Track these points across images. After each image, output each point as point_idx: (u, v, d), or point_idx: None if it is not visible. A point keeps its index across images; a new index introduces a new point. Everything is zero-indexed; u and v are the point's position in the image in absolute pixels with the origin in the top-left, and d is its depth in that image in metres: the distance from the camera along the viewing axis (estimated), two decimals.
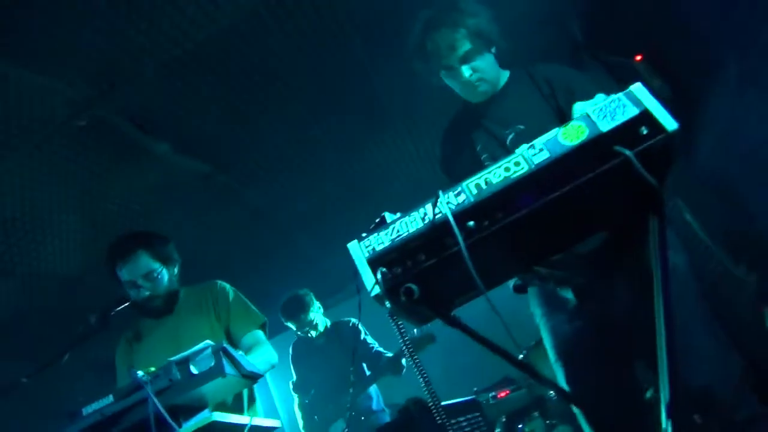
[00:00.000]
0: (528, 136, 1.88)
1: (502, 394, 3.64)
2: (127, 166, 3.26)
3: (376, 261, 1.28)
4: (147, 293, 2.30)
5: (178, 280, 2.45)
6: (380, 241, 1.30)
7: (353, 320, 4.22)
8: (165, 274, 2.36)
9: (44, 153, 2.86)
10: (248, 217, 4.23)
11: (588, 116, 1.25)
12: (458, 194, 1.28)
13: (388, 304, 1.28)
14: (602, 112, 1.24)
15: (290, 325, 4.10)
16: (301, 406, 4.20)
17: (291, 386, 4.29)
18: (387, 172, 4.35)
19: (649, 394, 1.97)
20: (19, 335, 3.93)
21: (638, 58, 3.54)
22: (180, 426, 1.59)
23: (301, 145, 3.69)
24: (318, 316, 4.09)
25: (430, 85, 2.09)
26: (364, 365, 4.08)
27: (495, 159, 1.94)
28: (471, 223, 1.24)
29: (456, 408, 2.34)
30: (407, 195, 4.71)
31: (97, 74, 2.58)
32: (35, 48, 2.31)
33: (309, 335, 4.09)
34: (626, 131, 1.21)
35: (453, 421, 2.20)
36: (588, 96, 1.60)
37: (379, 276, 1.25)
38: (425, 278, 1.26)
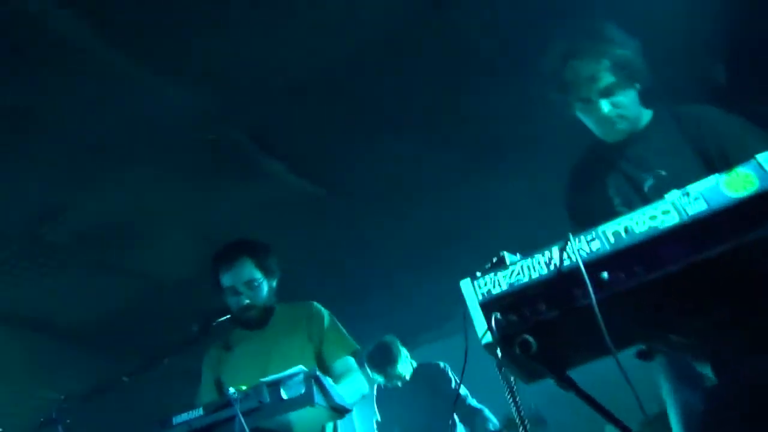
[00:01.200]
0: (670, 184, 1.69)
1: None
2: (241, 182, 3.37)
3: (490, 305, 1.15)
4: (246, 301, 2.31)
5: (275, 295, 2.44)
6: (497, 282, 1.17)
7: (442, 363, 4.03)
8: (265, 286, 2.37)
9: (166, 161, 3.00)
10: (355, 243, 4.22)
11: (759, 165, 1.06)
12: (591, 240, 1.13)
13: (499, 353, 1.14)
14: None
15: (376, 377, 3.96)
16: None
17: (375, 425, 4.17)
18: (497, 208, 4.17)
19: None
20: (122, 334, 4.14)
21: None
22: None
23: (414, 175, 3.63)
24: (405, 366, 3.95)
25: (555, 116, 1.94)
26: (456, 416, 3.86)
27: (629, 205, 1.77)
28: (605, 274, 1.09)
29: None
30: (515, 236, 4.51)
31: (227, 88, 2.68)
32: (170, 56, 2.43)
33: (396, 386, 3.95)
34: None
35: None
36: (746, 140, 1.39)
37: (493, 323, 1.12)
38: (543, 331, 1.11)
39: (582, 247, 1.13)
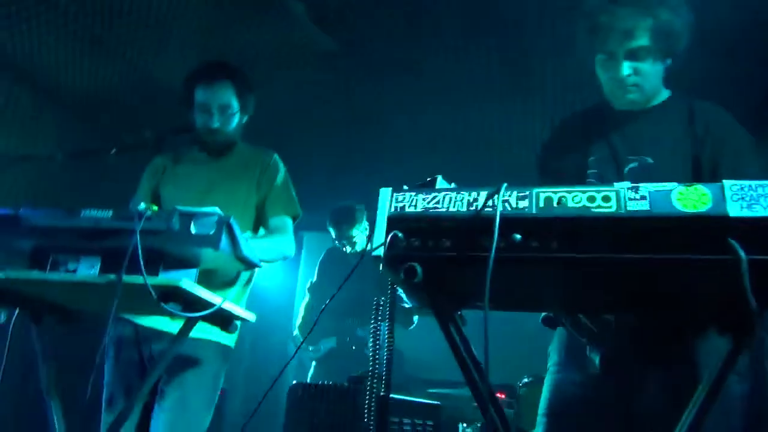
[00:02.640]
0: (652, 174, 1.59)
1: (500, 395, 3.40)
2: (260, 13, 3.19)
3: (396, 221, 1.09)
4: (216, 125, 2.23)
5: (241, 133, 2.37)
6: (414, 202, 1.11)
7: None
8: (237, 118, 2.29)
9: None
10: (350, 112, 4.10)
11: (721, 188, 0.96)
12: (523, 197, 1.05)
13: (386, 269, 1.11)
14: (741, 192, 0.96)
15: (330, 230, 4.04)
16: (307, 307, 4.22)
17: (308, 284, 4.31)
18: (502, 132, 4.04)
19: None
20: (102, 111, 4.12)
21: None
22: (157, 273, 1.55)
23: (438, 65, 3.45)
24: (360, 235, 3.99)
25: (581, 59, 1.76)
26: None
27: (601, 180, 1.66)
28: (517, 237, 1.02)
29: (409, 406, 2.18)
30: (501, 165, 4.45)
31: None
32: None
33: (344, 249, 4.02)
34: (756, 230, 0.93)
35: (396, 419, 2.05)
36: (740, 160, 1.28)
37: (389, 239, 1.07)
38: (435, 264, 1.07)
39: (510, 201, 1.05)
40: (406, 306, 3.85)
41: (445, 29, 3.21)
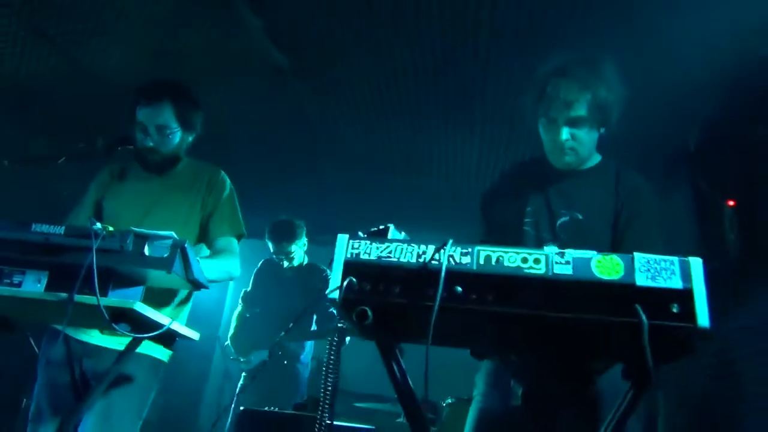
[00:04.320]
0: (580, 229, 1.79)
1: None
2: (215, 19, 3.21)
3: (352, 267, 1.20)
4: (150, 144, 2.24)
5: (187, 148, 2.38)
6: (368, 251, 1.22)
7: (329, 272, 4.17)
8: (177, 137, 2.29)
9: None
10: (299, 127, 4.17)
11: (632, 260, 1.13)
12: (465, 254, 1.19)
13: (337, 311, 1.21)
14: (648, 265, 1.13)
15: (269, 245, 4.08)
16: (239, 317, 4.24)
17: (242, 294, 4.32)
18: (447, 156, 4.26)
19: None
20: (39, 109, 3.98)
21: (731, 203, 3.33)
22: (106, 293, 1.57)
23: (389, 90, 3.58)
24: (299, 251, 4.07)
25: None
26: (315, 317, 4.08)
27: (536, 229, 1.85)
28: (459, 289, 1.16)
29: (345, 431, 2.29)
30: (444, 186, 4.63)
31: None
32: None
33: (281, 263, 4.08)
34: (658, 298, 1.10)
35: None
36: (644, 236, 1.48)
37: (345, 283, 1.17)
38: (385, 308, 1.19)
39: (454, 256, 1.18)
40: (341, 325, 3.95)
41: (396, 57, 3.34)
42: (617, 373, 1.38)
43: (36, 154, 2.20)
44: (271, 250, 4.09)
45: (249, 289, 4.29)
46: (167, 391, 4.86)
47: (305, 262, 4.18)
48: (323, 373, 1.30)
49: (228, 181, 2.42)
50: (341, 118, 3.99)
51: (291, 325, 3.77)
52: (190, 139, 2.37)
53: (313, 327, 4.10)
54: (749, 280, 2.85)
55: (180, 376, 4.78)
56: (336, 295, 1.18)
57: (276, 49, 3.36)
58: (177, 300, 2.22)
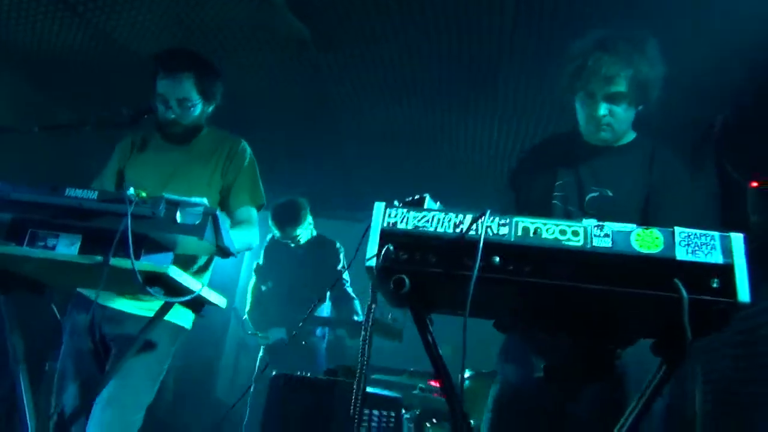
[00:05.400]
0: (609, 205, 1.78)
1: (433, 383, 3.56)
2: None
3: (389, 235, 1.21)
4: (172, 116, 2.24)
5: (208, 118, 2.38)
6: (405, 219, 1.22)
7: (339, 245, 4.17)
8: (198, 109, 2.28)
9: None
10: (318, 102, 4.15)
11: (672, 234, 1.13)
12: (503, 225, 1.19)
13: (376, 278, 1.22)
14: (688, 239, 1.12)
15: (273, 230, 4.05)
16: (255, 290, 4.27)
17: (255, 266, 4.34)
18: (466, 133, 4.21)
19: None
20: (62, 76, 3.99)
21: (754, 184, 3.29)
22: (138, 257, 1.59)
23: (408, 63, 3.54)
24: (305, 232, 4.05)
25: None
26: (329, 295, 4.10)
27: (565, 204, 1.85)
28: (497, 259, 1.16)
29: (375, 399, 2.31)
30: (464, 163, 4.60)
31: None
32: None
33: (288, 244, 4.07)
34: (698, 272, 1.10)
35: (366, 411, 2.19)
36: (676, 216, 1.48)
37: (383, 252, 1.18)
38: (422, 278, 1.19)
39: (492, 227, 1.18)
40: (358, 319, 3.96)
41: (414, 29, 3.30)
42: (642, 349, 1.39)
43: (63, 122, 2.18)
44: (277, 237, 4.08)
45: (261, 262, 4.30)
46: (183, 359, 4.95)
47: (314, 235, 4.16)
48: (360, 347, 1.31)
49: (249, 151, 2.41)
50: (363, 93, 3.96)
51: (309, 311, 3.83)
52: (211, 109, 2.37)
53: (328, 304, 4.11)
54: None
55: (196, 344, 4.85)
56: (373, 263, 1.19)
57: (299, 22, 3.33)
58: (195, 267, 2.23)
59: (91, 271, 1.62)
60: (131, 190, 1.56)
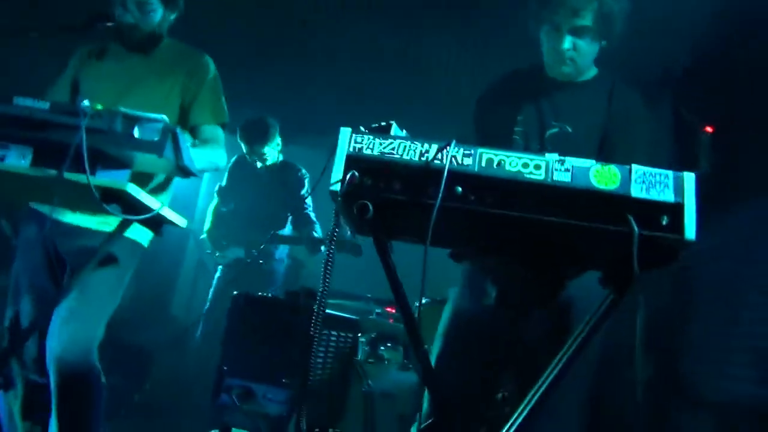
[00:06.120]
0: (568, 141, 1.81)
1: (389, 310, 3.68)
2: None
3: (354, 161, 1.20)
4: (131, 20, 2.12)
5: (168, 28, 2.26)
6: (371, 145, 1.22)
7: (304, 171, 4.15)
8: (158, 14, 2.17)
9: None
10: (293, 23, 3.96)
11: (629, 172, 1.16)
12: (467, 155, 1.20)
13: (340, 203, 1.23)
14: (643, 177, 1.16)
15: (241, 145, 4.00)
16: (215, 211, 4.23)
17: (217, 188, 4.29)
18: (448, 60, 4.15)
19: (499, 396, 2.06)
20: None
21: (708, 129, 3.39)
22: (93, 173, 1.54)
23: None
24: (272, 152, 3.99)
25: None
26: (290, 218, 4.11)
27: (525, 138, 1.87)
28: (459, 189, 1.18)
29: (334, 320, 2.37)
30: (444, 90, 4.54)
31: None
32: None
33: (255, 164, 4.02)
34: (649, 209, 1.14)
35: (324, 331, 2.25)
36: (634, 146, 1.51)
37: (348, 177, 1.18)
38: (385, 204, 1.21)
39: (456, 157, 1.19)
40: (317, 236, 3.98)
41: None
42: (588, 281, 1.46)
43: (10, 26, 2.03)
44: (244, 151, 4.02)
45: (223, 184, 4.25)
46: (140, 277, 4.93)
47: (279, 160, 4.12)
48: (323, 267, 1.33)
49: (212, 66, 2.31)
50: (330, 11, 3.81)
51: (272, 232, 3.84)
52: (172, 17, 2.25)
53: (288, 228, 4.13)
54: (715, 206, 2.96)
55: (154, 264, 4.82)
56: (337, 187, 1.19)
57: None
58: (152, 184, 2.17)
59: (44, 186, 1.57)
60: (86, 102, 1.49)
